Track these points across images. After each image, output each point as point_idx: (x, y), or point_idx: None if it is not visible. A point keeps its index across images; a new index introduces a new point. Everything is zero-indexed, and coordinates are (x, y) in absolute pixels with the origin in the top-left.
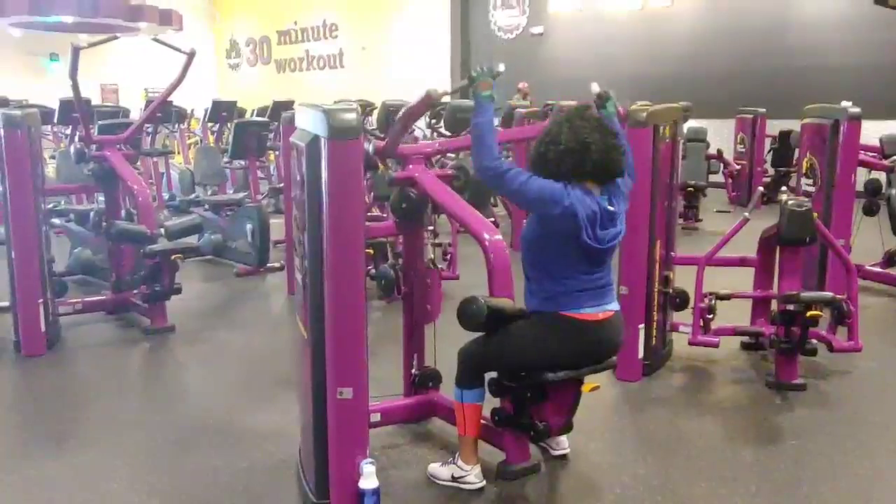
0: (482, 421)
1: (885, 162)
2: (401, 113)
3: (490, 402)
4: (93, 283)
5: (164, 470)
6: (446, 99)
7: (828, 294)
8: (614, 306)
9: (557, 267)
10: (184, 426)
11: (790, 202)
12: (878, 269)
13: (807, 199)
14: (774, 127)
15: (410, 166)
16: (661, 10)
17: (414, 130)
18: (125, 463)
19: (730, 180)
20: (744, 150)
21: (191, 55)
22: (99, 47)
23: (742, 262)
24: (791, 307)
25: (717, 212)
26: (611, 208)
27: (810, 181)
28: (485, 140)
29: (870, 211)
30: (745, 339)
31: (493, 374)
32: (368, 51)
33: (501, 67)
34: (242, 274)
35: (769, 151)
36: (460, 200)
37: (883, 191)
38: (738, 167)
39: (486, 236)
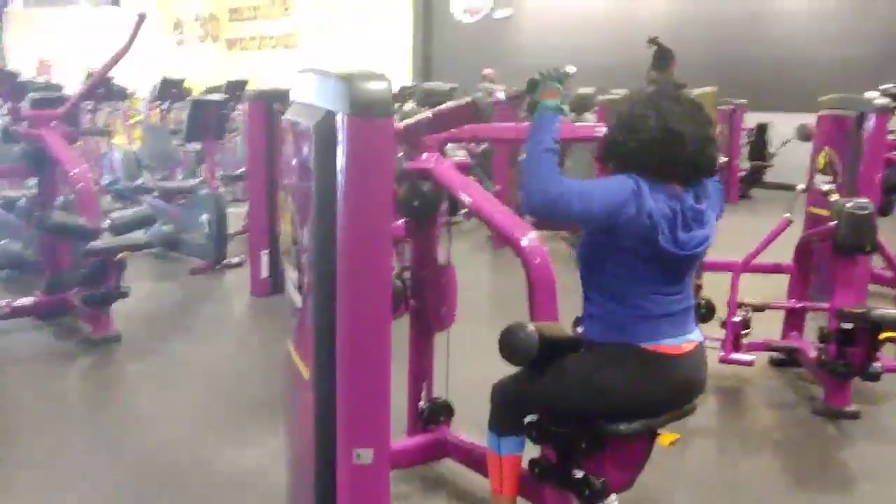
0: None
1: None
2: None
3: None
4: (21, 282)
5: None
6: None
7: None
8: (697, 336)
9: (626, 288)
10: (139, 470)
11: (848, 204)
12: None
13: (867, 201)
14: (751, 120)
15: (424, 156)
16: None
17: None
18: None
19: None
20: (721, 142)
21: (140, 18)
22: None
23: (776, 269)
24: (850, 325)
25: None
26: (698, 206)
27: (827, 178)
28: (540, 172)
29: (884, 210)
30: (775, 354)
31: (534, 416)
32: (324, 31)
33: (571, 69)
34: (198, 270)
35: (745, 144)
36: (489, 196)
37: None
38: (724, 159)
39: (525, 242)
